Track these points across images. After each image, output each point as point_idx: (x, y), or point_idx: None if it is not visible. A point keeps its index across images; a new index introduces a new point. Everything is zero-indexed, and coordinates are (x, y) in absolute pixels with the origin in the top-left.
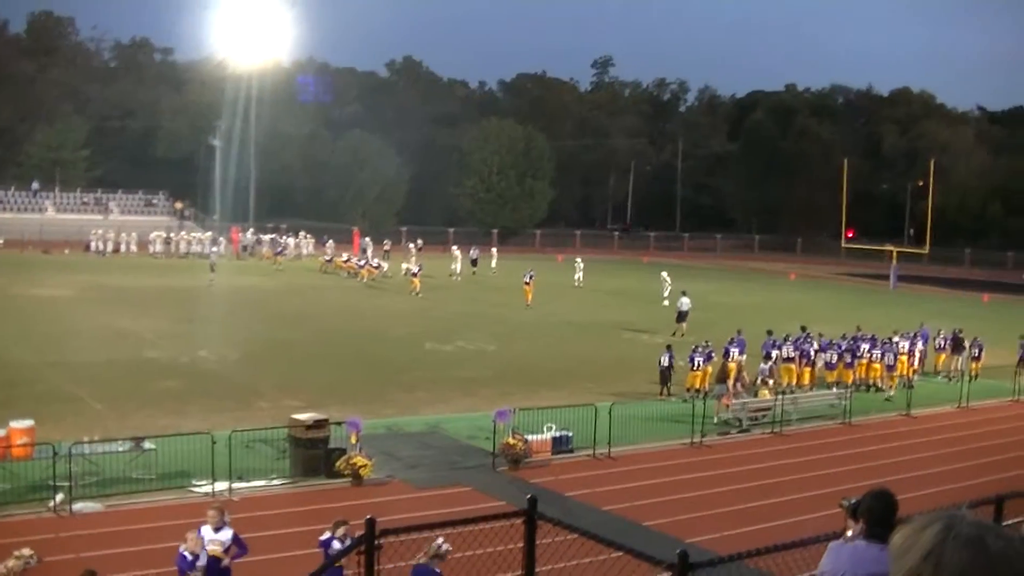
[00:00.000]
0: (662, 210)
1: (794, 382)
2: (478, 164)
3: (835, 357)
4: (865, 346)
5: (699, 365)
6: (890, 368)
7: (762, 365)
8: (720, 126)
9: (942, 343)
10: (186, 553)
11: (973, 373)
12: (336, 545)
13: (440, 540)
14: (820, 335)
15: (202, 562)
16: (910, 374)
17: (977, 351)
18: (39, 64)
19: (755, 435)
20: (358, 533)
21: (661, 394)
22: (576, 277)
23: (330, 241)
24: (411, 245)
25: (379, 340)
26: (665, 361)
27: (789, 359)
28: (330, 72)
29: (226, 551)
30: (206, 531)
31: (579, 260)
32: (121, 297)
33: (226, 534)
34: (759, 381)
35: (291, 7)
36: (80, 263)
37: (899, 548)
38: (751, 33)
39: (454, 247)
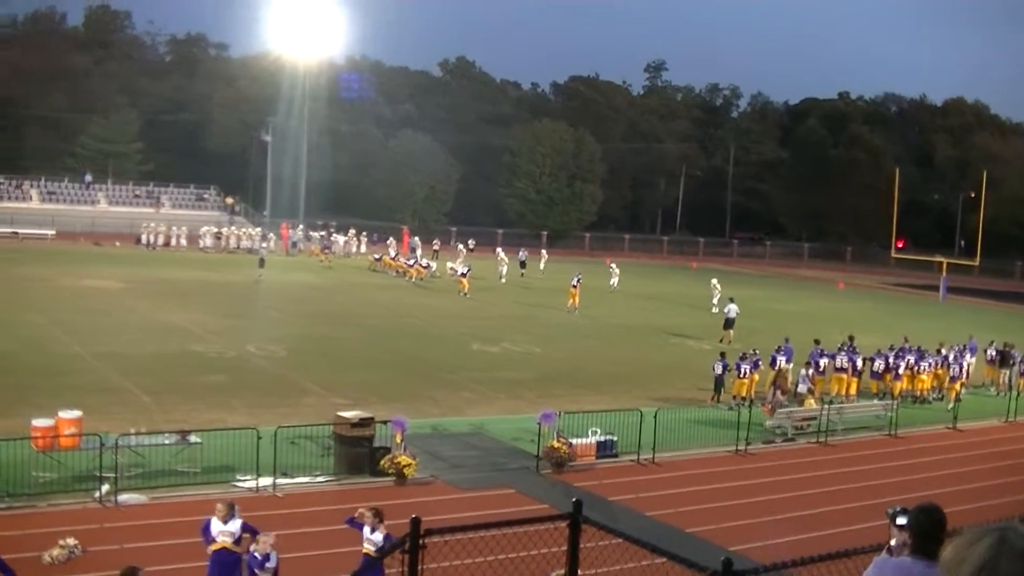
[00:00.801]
0: (711, 216)
1: (843, 392)
2: (528, 166)
3: (882, 367)
4: (911, 358)
5: (746, 373)
6: (953, 379)
7: (802, 372)
8: (772, 132)
9: (993, 356)
10: (257, 554)
11: (1021, 387)
12: (367, 532)
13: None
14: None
15: (272, 563)
16: (957, 387)
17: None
18: (95, 57)
19: (800, 444)
20: (392, 530)
21: (712, 400)
22: (612, 283)
23: (392, 240)
24: (459, 246)
25: (426, 340)
26: (719, 368)
27: (841, 369)
28: (383, 71)
29: (236, 542)
30: (215, 523)
31: (613, 265)
32: (170, 291)
33: (235, 525)
34: (797, 389)
35: (345, 5)
36: (131, 256)
37: (951, 561)
38: (805, 40)
39: (499, 249)
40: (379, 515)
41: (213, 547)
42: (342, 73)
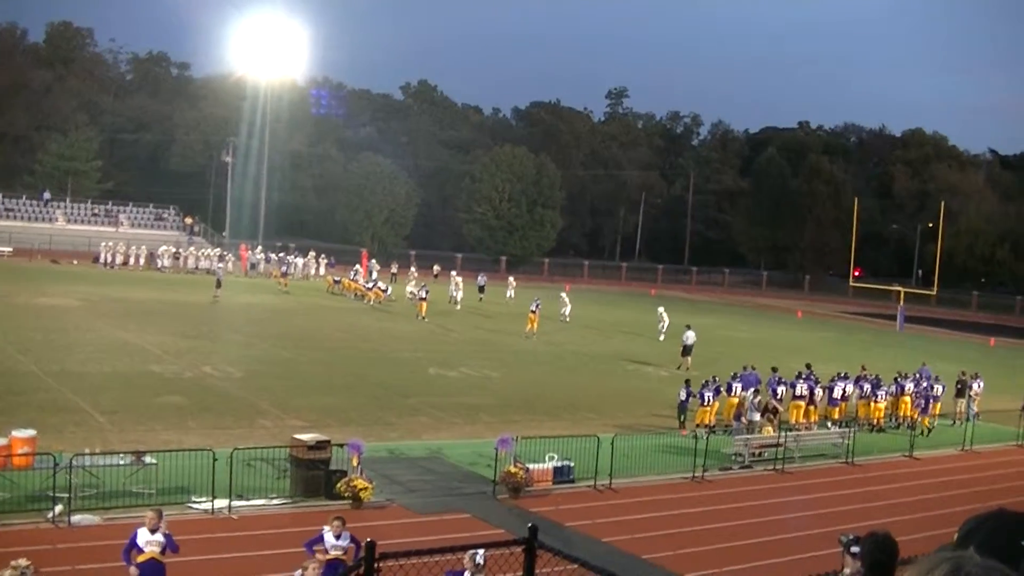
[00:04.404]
0: (671, 243)
1: (801, 420)
2: (488, 191)
3: (840, 394)
4: (868, 386)
5: (708, 400)
6: (923, 411)
7: (750, 399)
8: (732, 161)
9: (941, 389)
10: (331, 534)
11: (976, 410)
12: (328, 536)
13: (480, 552)
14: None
15: (344, 542)
16: (913, 416)
17: (977, 386)
18: (56, 74)
19: (757, 471)
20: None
21: (681, 428)
22: (563, 312)
23: (357, 266)
24: (412, 269)
25: (384, 363)
26: (683, 395)
27: (800, 397)
28: (345, 92)
29: (162, 552)
30: (142, 532)
31: (564, 294)
32: (127, 310)
33: (161, 536)
34: (748, 417)
35: (308, 26)
36: (88, 274)
37: None
38: (766, 70)
39: (453, 273)
40: (343, 520)
41: (141, 557)
42: (311, 89)
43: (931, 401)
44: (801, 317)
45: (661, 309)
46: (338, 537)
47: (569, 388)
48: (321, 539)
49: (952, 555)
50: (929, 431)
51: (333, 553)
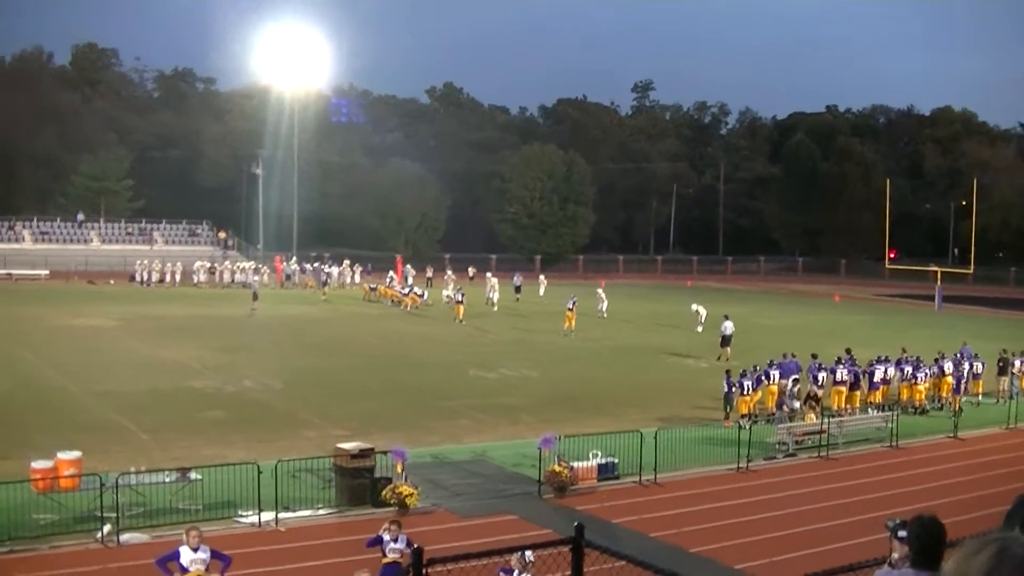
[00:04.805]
0: (704, 234)
1: (843, 405)
2: (519, 190)
3: (881, 377)
4: (908, 368)
5: (748, 390)
6: (956, 390)
7: (788, 388)
8: (761, 148)
9: (981, 367)
10: (388, 537)
11: (1019, 387)
12: (386, 538)
13: (529, 552)
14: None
15: (400, 545)
16: (955, 398)
17: (1020, 364)
18: (83, 95)
19: (802, 459)
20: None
21: (725, 419)
22: (600, 308)
23: (391, 273)
24: (449, 272)
25: (423, 368)
26: (726, 386)
27: (841, 382)
28: (371, 99)
29: (208, 569)
30: (185, 551)
31: (600, 291)
32: (165, 327)
33: (205, 552)
34: (786, 403)
35: (331, 35)
36: (125, 293)
37: (953, 573)
38: (791, 55)
39: (488, 275)
40: (399, 524)
41: None
42: (332, 99)
43: (963, 380)
44: (839, 301)
45: (695, 306)
46: (395, 540)
47: (609, 384)
48: (380, 540)
49: (997, 536)
50: (960, 411)
51: (391, 556)
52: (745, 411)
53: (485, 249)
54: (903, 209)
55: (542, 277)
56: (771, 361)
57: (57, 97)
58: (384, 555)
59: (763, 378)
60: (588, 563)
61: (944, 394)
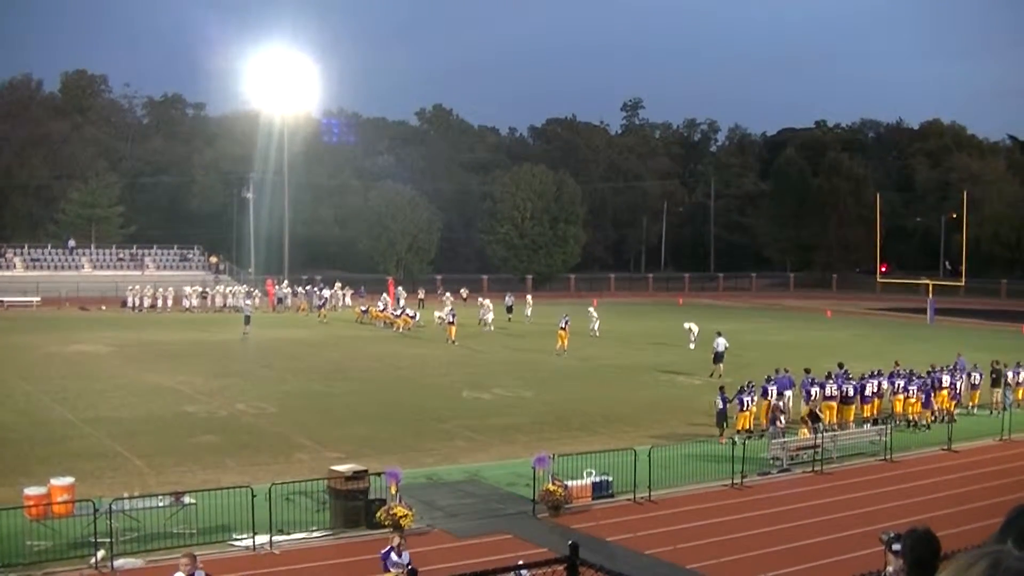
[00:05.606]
0: (696, 251)
1: (835, 420)
2: (510, 210)
3: (873, 391)
4: (900, 381)
5: (747, 405)
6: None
7: (775, 402)
8: (751, 165)
9: (979, 377)
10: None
11: (1020, 398)
12: (393, 556)
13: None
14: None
15: (404, 560)
16: (951, 408)
17: (1013, 375)
18: (73, 122)
19: (796, 474)
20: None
21: (720, 437)
22: (592, 327)
23: (384, 296)
24: (448, 295)
25: (416, 389)
26: (719, 403)
27: (831, 397)
28: (360, 122)
29: None
30: None
31: (592, 309)
32: (158, 352)
33: None
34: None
35: (320, 59)
36: (117, 319)
37: None
38: (780, 71)
39: (480, 298)
40: (403, 539)
41: None
42: (323, 119)
43: (958, 391)
44: (831, 316)
45: (688, 324)
46: (399, 555)
47: (603, 402)
48: (390, 552)
49: (991, 550)
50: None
51: (394, 571)
52: (744, 427)
53: (477, 270)
54: (894, 223)
55: (529, 298)
56: (768, 376)
57: (47, 124)
58: (386, 569)
59: (757, 394)
60: None
61: (945, 407)
